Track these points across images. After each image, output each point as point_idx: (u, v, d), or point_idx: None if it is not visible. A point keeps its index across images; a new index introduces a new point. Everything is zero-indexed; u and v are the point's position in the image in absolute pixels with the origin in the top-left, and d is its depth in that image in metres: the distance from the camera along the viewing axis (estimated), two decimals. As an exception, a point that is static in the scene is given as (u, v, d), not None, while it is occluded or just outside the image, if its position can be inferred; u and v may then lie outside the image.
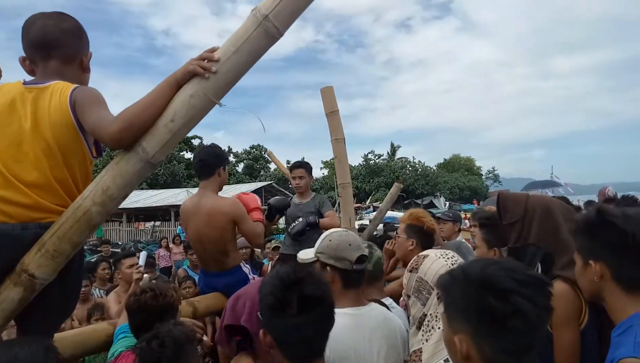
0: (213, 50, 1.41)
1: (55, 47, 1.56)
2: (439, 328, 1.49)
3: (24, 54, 1.59)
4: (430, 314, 1.60)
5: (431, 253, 1.72)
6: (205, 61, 1.38)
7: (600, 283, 1.35)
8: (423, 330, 1.59)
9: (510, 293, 0.92)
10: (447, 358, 1.42)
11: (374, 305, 1.89)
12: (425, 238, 2.71)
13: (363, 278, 1.87)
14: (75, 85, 1.50)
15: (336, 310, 1.72)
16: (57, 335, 2.03)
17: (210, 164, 2.91)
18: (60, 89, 1.48)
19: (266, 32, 1.38)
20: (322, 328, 1.26)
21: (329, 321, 1.28)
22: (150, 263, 5.38)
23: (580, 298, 1.68)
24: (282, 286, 1.23)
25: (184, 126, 1.41)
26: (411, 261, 1.76)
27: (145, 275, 4.09)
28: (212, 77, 1.39)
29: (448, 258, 1.70)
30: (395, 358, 1.76)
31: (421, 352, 1.59)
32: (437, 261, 1.68)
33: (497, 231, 2.19)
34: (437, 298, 1.55)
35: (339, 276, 1.81)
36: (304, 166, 4.56)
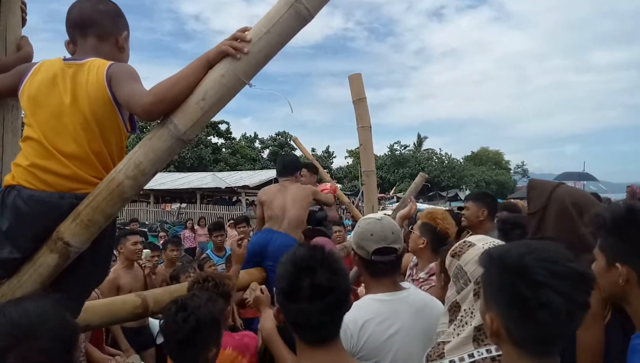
0: (245, 30, 1.43)
1: (90, 25, 1.63)
2: (471, 325, 1.46)
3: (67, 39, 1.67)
4: (465, 310, 1.52)
5: (478, 243, 1.59)
6: (238, 41, 1.41)
7: (625, 287, 1.30)
8: (456, 324, 1.53)
9: (542, 286, 0.92)
10: (472, 354, 1.42)
11: (413, 290, 1.86)
12: (436, 240, 2.73)
13: (393, 268, 1.83)
14: (112, 62, 1.56)
15: (370, 296, 1.80)
16: (88, 303, 2.13)
17: (291, 168, 4.02)
18: (97, 66, 1.53)
19: (297, 13, 1.40)
20: (332, 316, 1.26)
21: (341, 309, 1.28)
22: (176, 241, 5.53)
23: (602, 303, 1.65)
24: (295, 272, 1.24)
25: (214, 105, 1.44)
26: (455, 245, 1.64)
27: (145, 250, 4.25)
28: (243, 58, 1.41)
29: None
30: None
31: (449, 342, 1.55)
32: None
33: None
34: (474, 295, 1.48)
35: (361, 264, 1.84)
36: (307, 166, 4.80)
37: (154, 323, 3.76)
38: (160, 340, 3.67)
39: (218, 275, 2.30)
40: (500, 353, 1.38)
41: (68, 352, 1.17)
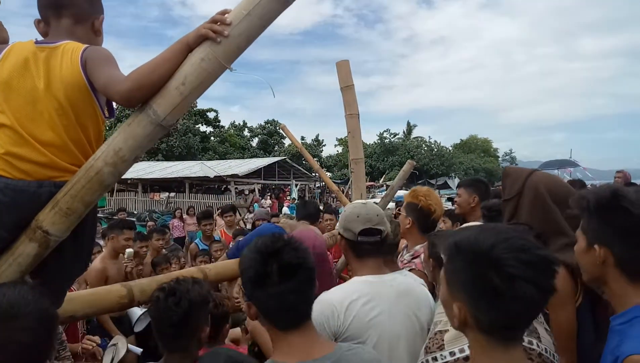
0: (225, 12, 1.40)
1: (66, 5, 1.57)
2: None
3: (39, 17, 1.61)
4: None
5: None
6: (218, 24, 1.38)
7: (603, 268, 1.32)
8: None
9: (516, 279, 0.92)
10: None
11: (397, 275, 1.90)
12: (421, 218, 2.74)
13: (379, 250, 1.89)
14: (86, 45, 1.51)
15: (356, 278, 1.86)
16: (72, 294, 2.10)
17: (315, 217, 4.01)
18: (71, 49, 1.49)
19: (279, -5, 1.37)
20: (305, 294, 1.28)
21: (311, 286, 1.30)
22: (161, 230, 5.51)
23: (575, 279, 1.69)
24: (260, 258, 1.25)
25: (194, 90, 1.41)
26: None
27: (128, 250, 4.21)
28: (223, 41, 1.38)
29: None
30: (418, 328, 1.78)
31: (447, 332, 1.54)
32: None
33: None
34: None
35: (347, 245, 1.92)
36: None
37: (132, 312, 3.73)
38: (138, 328, 3.65)
39: (218, 295, 2.27)
40: None
41: (49, 334, 1.17)
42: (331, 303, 1.74)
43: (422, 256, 2.41)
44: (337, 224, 2.01)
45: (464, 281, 1.00)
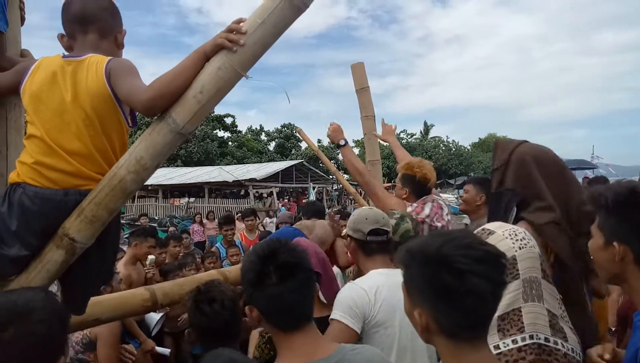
0: (240, 21, 1.43)
1: (93, 21, 1.63)
2: (495, 315, 1.41)
3: (62, 32, 1.67)
4: None
5: (498, 230, 1.54)
6: (233, 33, 1.41)
7: (622, 265, 1.31)
8: None
9: (465, 273, 0.95)
10: (497, 345, 1.40)
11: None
12: (417, 187, 2.94)
13: (386, 248, 2.06)
14: (110, 57, 1.57)
15: (371, 272, 2.00)
16: (96, 298, 2.16)
17: (321, 212, 4.12)
18: (96, 62, 1.54)
19: (292, 3, 1.39)
20: (304, 294, 1.30)
21: (310, 286, 1.33)
22: (177, 237, 5.64)
23: (541, 241, 1.75)
24: (258, 260, 1.28)
25: (212, 98, 1.45)
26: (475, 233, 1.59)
27: (150, 257, 4.31)
28: (239, 50, 1.41)
29: (517, 240, 1.51)
30: None
31: None
32: (502, 242, 1.49)
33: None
34: None
35: (356, 245, 2.11)
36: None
37: (149, 317, 3.82)
38: (155, 331, 3.77)
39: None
40: (526, 343, 1.39)
41: (63, 328, 1.23)
42: (361, 287, 1.87)
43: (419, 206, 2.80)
44: (347, 227, 2.15)
45: (420, 285, 1.03)
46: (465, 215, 3.57)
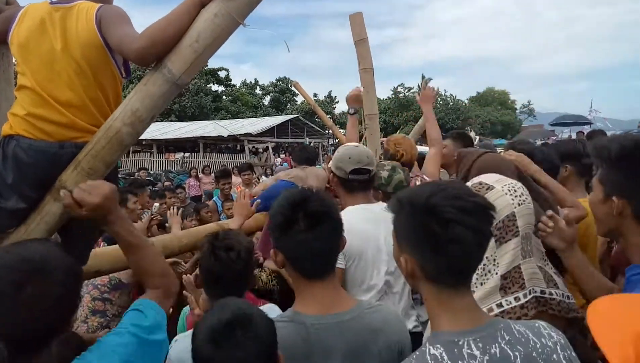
0: None
1: None
2: (497, 273, 1.45)
3: None
4: (487, 257, 1.47)
5: (497, 185, 1.53)
6: None
7: (619, 219, 1.32)
8: (478, 273, 1.47)
9: (451, 222, 0.97)
10: (500, 303, 1.43)
11: (384, 204, 2.03)
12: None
13: (367, 186, 2.15)
14: (100, 4, 1.50)
15: (350, 207, 2.06)
16: (97, 250, 2.18)
17: (313, 160, 3.83)
18: (86, 9, 1.48)
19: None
20: (331, 243, 1.32)
21: (337, 236, 1.34)
22: (171, 189, 5.61)
23: None
24: (289, 206, 1.29)
25: (208, 47, 1.40)
26: (472, 186, 1.58)
27: (155, 204, 4.34)
28: (235, -4, 1.35)
29: (516, 196, 1.50)
30: None
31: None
32: (502, 198, 1.49)
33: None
34: (495, 241, 1.46)
35: (338, 181, 2.19)
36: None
37: None
38: None
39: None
40: (528, 299, 1.42)
41: (78, 286, 1.21)
42: None
43: None
44: (331, 162, 2.21)
45: (408, 232, 1.06)
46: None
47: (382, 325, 1.32)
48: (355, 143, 2.26)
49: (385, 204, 1.99)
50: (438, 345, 0.98)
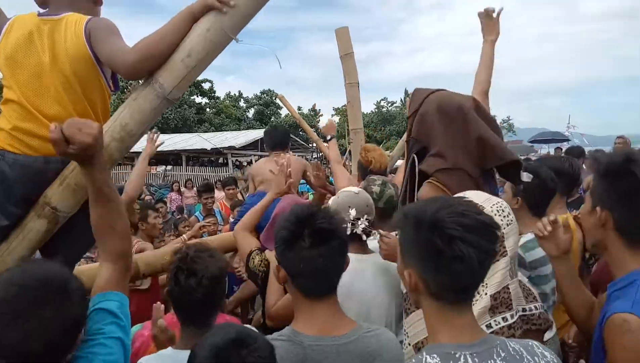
0: None
1: None
2: (486, 294, 1.42)
3: None
4: None
5: (486, 205, 1.48)
6: None
7: (603, 231, 1.35)
8: None
9: (455, 239, 0.96)
10: (489, 324, 1.41)
11: (377, 255, 1.95)
12: (362, 170, 2.98)
13: (360, 237, 1.95)
14: (89, 17, 1.48)
15: None
16: (78, 268, 2.12)
17: (285, 143, 4.00)
18: (74, 21, 1.46)
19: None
20: (334, 262, 1.29)
21: (342, 255, 1.31)
22: (151, 206, 5.45)
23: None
24: (295, 221, 1.27)
25: (200, 62, 1.39)
26: None
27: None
28: (229, 11, 1.35)
29: (504, 216, 1.46)
30: (394, 302, 1.84)
31: None
32: None
33: None
34: None
35: None
36: None
37: None
38: None
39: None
40: (515, 320, 1.41)
41: (87, 307, 1.21)
42: None
43: None
44: (330, 206, 2.02)
45: (412, 247, 1.06)
46: None
47: (379, 349, 1.30)
48: (357, 189, 2.13)
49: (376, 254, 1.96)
50: (434, 355, 0.98)
